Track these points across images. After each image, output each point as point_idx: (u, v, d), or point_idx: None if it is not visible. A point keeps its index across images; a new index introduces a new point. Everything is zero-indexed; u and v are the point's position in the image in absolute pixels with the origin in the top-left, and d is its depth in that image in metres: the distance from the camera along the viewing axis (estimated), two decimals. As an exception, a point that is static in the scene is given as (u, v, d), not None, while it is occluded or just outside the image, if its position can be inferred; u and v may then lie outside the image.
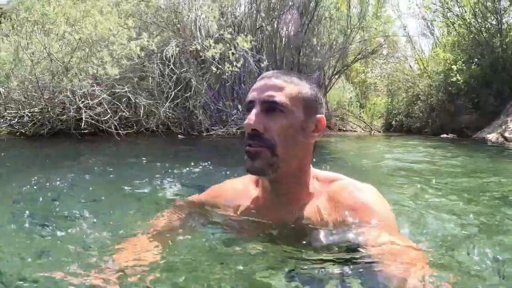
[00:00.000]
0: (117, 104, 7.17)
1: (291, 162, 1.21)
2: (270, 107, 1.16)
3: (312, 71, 10.67)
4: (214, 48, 7.14)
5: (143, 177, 2.95)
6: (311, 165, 1.29)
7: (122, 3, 8.61)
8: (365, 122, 15.71)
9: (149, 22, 8.88)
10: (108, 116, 7.01)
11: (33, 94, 7.87)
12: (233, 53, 7.31)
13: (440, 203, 2.35)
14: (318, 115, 1.23)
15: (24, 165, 4.83)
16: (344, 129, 14.83)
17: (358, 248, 1.07)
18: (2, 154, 5.52)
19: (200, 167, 3.68)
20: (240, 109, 8.15)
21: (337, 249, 1.12)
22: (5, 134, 8.21)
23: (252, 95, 1.21)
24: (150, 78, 7.68)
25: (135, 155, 5.58)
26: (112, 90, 7.01)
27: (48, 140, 7.67)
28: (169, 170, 3.54)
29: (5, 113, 7.94)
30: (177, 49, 7.54)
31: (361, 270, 1.02)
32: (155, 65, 7.61)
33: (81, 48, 7.34)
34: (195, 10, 8.61)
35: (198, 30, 8.22)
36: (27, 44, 7.50)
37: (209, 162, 3.79)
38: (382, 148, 7.93)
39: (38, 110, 7.90)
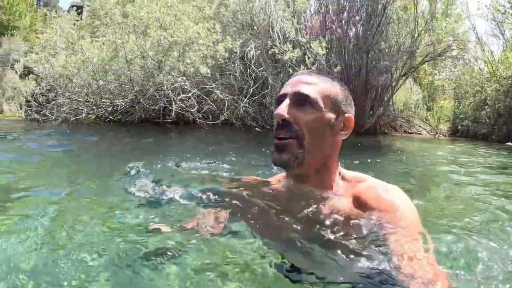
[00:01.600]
0: (205, 98, 8.33)
1: (316, 156, 1.26)
2: (301, 100, 1.22)
3: (380, 73, 11.14)
4: (291, 52, 7.94)
5: (221, 159, 3.54)
6: (338, 164, 1.33)
7: (206, 9, 9.71)
8: (430, 125, 15.70)
9: (228, 24, 9.81)
10: (195, 108, 8.21)
11: (126, 86, 9.23)
12: (308, 57, 8.02)
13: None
14: (347, 114, 1.29)
15: (122, 146, 6.29)
16: (410, 131, 14.81)
17: (379, 251, 1.07)
18: (98, 137, 7.11)
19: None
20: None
21: (357, 250, 1.12)
22: (101, 120, 9.71)
23: (284, 89, 1.28)
24: (231, 76, 8.66)
25: (216, 141, 6.65)
26: (202, 86, 8.18)
27: (137, 126, 9.09)
28: (243, 154, 4.18)
29: (101, 102, 9.40)
30: (258, 52, 8.42)
31: (380, 276, 1.02)
32: (236, 64, 8.60)
33: (172, 49, 8.45)
34: (271, 13, 9.45)
35: (274, 32, 8.97)
36: (123, 43, 8.75)
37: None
38: (441, 153, 7.93)
39: (129, 101, 9.22)
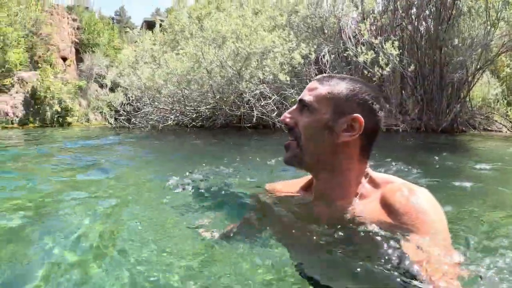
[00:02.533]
0: (283, 103, 8.96)
1: (317, 157, 1.32)
2: (302, 106, 1.32)
3: (455, 69, 11.09)
4: (365, 55, 8.29)
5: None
6: (363, 166, 1.33)
7: (278, 18, 10.34)
8: (511, 122, 15.12)
9: (300, 30, 10.30)
10: (275, 113, 8.85)
11: (208, 94, 10.14)
12: (382, 59, 8.26)
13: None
14: (353, 115, 1.26)
15: (211, 148, 7.00)
16: (489, 128, 14.15)
17: (403, 254, 1.08)
18: (185, 141, 7.85)
19: None
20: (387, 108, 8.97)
21: (380, 251, 1.13)
22: (186, 126, 10.85)
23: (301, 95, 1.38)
24: (308, 80, 8.96)
25: None
26: (281, 92, 8.82)
27: (220, 131, 10.02)
28: None
29: (185, 110, 10.46)
30: (332, 56, 8.87)
31: (403, 279, 1.03)
32: (312, 69, 9.09)
33: (250, 59, 9.14)
34: (340, 16, 9.84)
35: (345, 34, 9.28)
36: (203, 55, 9.62)
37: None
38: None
39: (211, 107, 10.18)
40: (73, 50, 24.45)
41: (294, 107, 1.35)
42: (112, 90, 15.29)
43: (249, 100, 9.26)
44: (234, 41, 9.37)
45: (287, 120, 1.34)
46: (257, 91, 9.04)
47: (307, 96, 1.31)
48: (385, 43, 8.47)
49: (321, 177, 1.34)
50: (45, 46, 22.25)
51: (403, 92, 9.24)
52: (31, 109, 19.89)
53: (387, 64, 8.34)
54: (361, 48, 8.46)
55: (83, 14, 26.65)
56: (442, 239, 1.10)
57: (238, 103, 9.71)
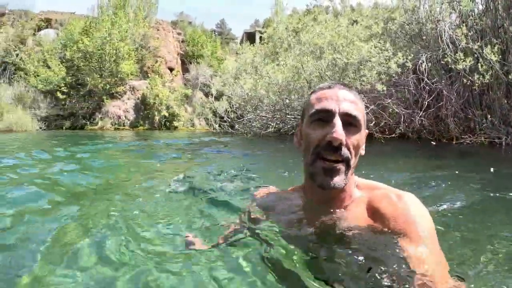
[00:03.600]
0: (381, 113, 9.25)
1: (353, 174, 1.33)
2: (349, 121, 1.24)
3: None
4: (463, 61, 8.20)
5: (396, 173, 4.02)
6: (353, 174, 1.37)
7: (373, 27, 10.70)
8: None
9: (397, 38, 10.50)
10: (373, 123, 9.20)
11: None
12: (481, 65, 8.12)
13: None
14: (366, 130, 1.35)
15: None
16: None
17: (393, 259, 1.11)
18: (284, 147, 8.05)
19: (446, 172, 4.17)
20: (455, 117, 8.66)
21: (370, 259, 1.16)
22: (286, 134, 11.41)
23: (327, 104, 1.26)
24: (405, 89, 9.31)
25: (391, 155, 7.12)
26: (378, 102, 9.14)
27: None
28: (419, 172, 4.21)
29: (286, 118, 11.24)
30: (429, 64, 8.99)
31: (394, 283, 1.05)
32: (410, 78, 9.19)
33: (347, 69, 9.67)
34: (437, 22, 9.80)
35: (443, 41, 9.07)
36: (302, 66, 10.41)
37: (456, 171, 4.18)
38: None
39: None
40: (179, 61, 26.92)
41: (339, 122, 1.22)
42: (216, 98, 16.72)
43: None
44: (331, 53, 9.90)
45: (343, 138, 1.22)
46: None
47: (355, 111, 1.25)
48: (484, 48, 8.23)
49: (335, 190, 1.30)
50: (153, 58, 24.81)
51: (507, 101, 8.67)
52: (141, 113, 22.57)
53: (487, 71, 8.16)
54: (459, 54, 8.33)
55: (187, 28, 29.06)
56: (431, 243, 1.13)
57: None
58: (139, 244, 1.68)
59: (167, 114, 22.42)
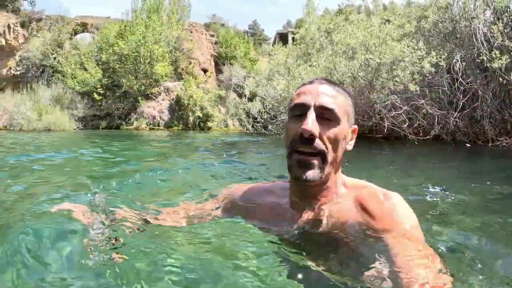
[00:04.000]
0: (415, 114, 9.19)
1: (334, 169, 1.33)
2: (325, 114, 1.25)
3: None
4: (500, 60, 7.99)
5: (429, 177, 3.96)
6: (340, 171, 1.38)
7: (406, 26, 10.62)
8: None
9: (431, 36, 10.38)
10: (406, 124, 9.18)
11: None
12: None
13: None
14: (354, 125, 1.36)
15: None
16: None
17: (380, 256, 1.14)
18: None
19: (482, 176, 4.15)
20: None
21: (358, 254, 1.19)
22: None
23: (304, 98, 1.28)
24: (439, 89, 9.19)
25: (426, 157, 6.99)
26: (412, 103, 9.11)
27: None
28: (455, 176, 4.20)
29: None
30: (464, 63, 8.80)
31: (380, 279, 1.09)
32: (444, 78, 9.07)
33: (380, 70, 9.63)
34: (472, 19, 9.41)
35: (477, 39, 8.84)
36: (335, 67, 10.48)
37: (500, 174, 4.20)
38: None
39: None
40: (212, 62, 27.51)
41: (312, 115, 1.25)
42: (250, 99, 17.02)
43: (380, 110, 9.51)
44: (363, 53, 9.88)
45: (316, 131, 1.24)
46: (388, 102, 9.28)
47: (332, 104, 1.26)
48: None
49: (317, 185, 1.33)
50: (187, 59, 25.44)
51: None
52: (175, 114, 23.24)
53: (524, 70, 7.88)
54: (495, 52, 8.12)
55: (220, 30, 29.59)
56: (416, 239, 1.17)
57: (370, 113, 9.97)
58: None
59: (201, 115, 22.98)
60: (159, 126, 23.01)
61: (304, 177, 1.26)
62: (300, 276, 1.22)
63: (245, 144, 10.58)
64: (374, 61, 9.56)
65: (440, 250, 1.55)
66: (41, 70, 24.75)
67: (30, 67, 24.80)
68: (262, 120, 14.45)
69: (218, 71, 27.48)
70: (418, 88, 8.66)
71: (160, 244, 1.35)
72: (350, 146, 1.36)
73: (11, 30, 25.48)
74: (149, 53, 22.15)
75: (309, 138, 1.23)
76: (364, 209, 1.26)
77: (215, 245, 1.44)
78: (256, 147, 9.49)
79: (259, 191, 1.56)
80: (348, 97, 1.35)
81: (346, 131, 1.31)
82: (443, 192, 2.97)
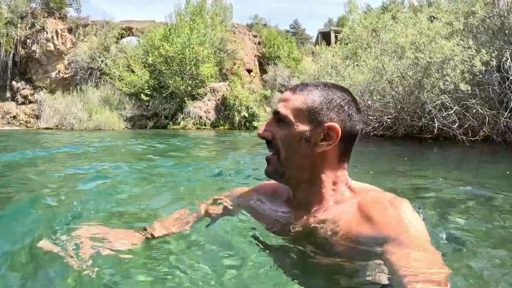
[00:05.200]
0: (465, 114, 9.20)
1: (294, 168, 1.35)
2: (278, 118, 1.34)
3: None
4: None
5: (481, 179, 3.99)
6: (342, 171, 1.36)
7: (454, 24, 10.54)
8: None
9: (479, 33, 10.32)
10: (456, 125, 9.16)
11: (389, 104, 11.05)
12: None
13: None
14: (329, 123, 1.28)
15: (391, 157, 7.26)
16: None
17: (383, 266, 1.11)
18: (373, 149, 8.37)
19: None
20: None
21: (360, 265, 1.17)
22: (368, 135, 11.64)
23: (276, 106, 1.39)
24: (490, 89, 9.11)
25: (479, 160, 6.97)
26: (463, 103, 9.16)
27: (401, 141, 10.45)
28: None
29: (368, 119, 11.53)
30: None
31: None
32: (494, 76, 8.98)
33: (430, 69, 9.77)
34: None
35: None
36: (383, 67, 10.76)
37: None
38: None
39: (393, 117, 11.00)
40: (256, 63, 28.23)
41: (271, 119, 1.37)
42: None
43: (430, 110, 9.53)
44: (413, 52, 9.97)
45: (265, 133, 1.36)
46: (438, 102, 9.32)
47: (282, 108, 1.33)
48: None
49: (301, 188, 1.37)
50: (231, 60, 26.28)
51: None
52: (221, 114, 24.13)
53: None
54: None
55: (262, 30, 30.36)
56: (423, 249, 1.11)
57: (419, 113, 10.06)
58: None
59: (247, 115, 23.68)
60: (205, 125, 23.88)
61: (266, 172, 1.41)
62: (292, 281, 1.25)
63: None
64: (424, 60, 9.59)
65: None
66: (88, 72, 26.18)
67: (78, 70, 26.30)
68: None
69: (263, 71, 28.18)
70: (469, 88, 8.66)
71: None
72: (323, 147, 1.30)
73: (59, 35, 27.00)
74: (194, 55, 23.03)
75: (268, 140, 1.36)
76: (367, 216, 1.23)
77: (208, 248, 1.53)
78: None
79: (267, 190, 1.63)
80: (314, 95, 1.32)
81: (300, 132, 1.30)
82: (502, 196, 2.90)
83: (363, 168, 4.78)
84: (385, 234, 1.15)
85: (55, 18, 27.34)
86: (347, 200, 1.32)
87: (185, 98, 23.95)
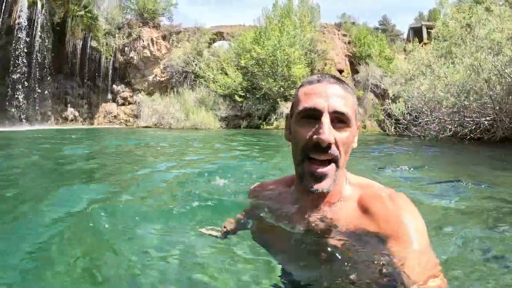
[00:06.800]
0: None
1: (344, 172, 1.35)
2: (338, 118, 1.24)
3: None
4: None
5: None
6: (344, 169, 1.35)
7: None
8: None
9: None
10: None
11: (488, 105, 10.74)
12: None
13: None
14: (358, 123, 1.34)
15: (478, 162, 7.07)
16: None
17: (383, 260, 1.14)
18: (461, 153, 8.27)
19: None
20: None
21: (360, 259, 1.20)
22: (464, 138, 11.40)
23: (315, 101, 1.25)
24: None
25: None
26: None
27: (499, 145, 10.05)
28: None
29: (464, 121, 11.31)
30: None
31: (383, 284, 1.09)
32: None
33: None
34: None
35: None
36: (480, 65, 10.59)
37: None
38: None
39: (491, 119, 10.71)
40: (347, 62, 28.68)
41: (328, 122, 1.23)
42: (393, 100, 17.26)
43: None
44: (510, 47, 9.86)
45: (331, 138, 1.23)
46: None
47: (343, 107, 1.24)
48: None
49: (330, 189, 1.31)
50: (322, 61, 27.02)
51: None
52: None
53: None
54: None
55: (351, 29, 30.68)
56: (421, 244, 1.13)
57: None
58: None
59: (339, 115, 24.18)
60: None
61: (320, 189, 1.28)
62: (296, 278, 1.31)
63: (386, 145, 10.90)
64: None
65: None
66: (184, 75, 28.38)
67: (174, 73, 28.61)
68: (405, 122, 14.36)
69: (354, 71, 28.40)
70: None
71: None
72: (355, 144, 1.34)
73: (155, 42, 29.54)
74: (285, 56, 23.93)
75: (326, 147, 1.23)
76: (367, 211, 1.25)
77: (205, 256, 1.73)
78: (410, 149, 9.43)
79: (269, 191, 1.67)
80: (353, 95, 1.33)
81: (355, 132, 1.31)
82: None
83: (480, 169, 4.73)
84: (384, 229, 1.19)
85: (149, 27, 29.79)
86: (348, 196, 1.35)
87: (278, 99, 24.86)
